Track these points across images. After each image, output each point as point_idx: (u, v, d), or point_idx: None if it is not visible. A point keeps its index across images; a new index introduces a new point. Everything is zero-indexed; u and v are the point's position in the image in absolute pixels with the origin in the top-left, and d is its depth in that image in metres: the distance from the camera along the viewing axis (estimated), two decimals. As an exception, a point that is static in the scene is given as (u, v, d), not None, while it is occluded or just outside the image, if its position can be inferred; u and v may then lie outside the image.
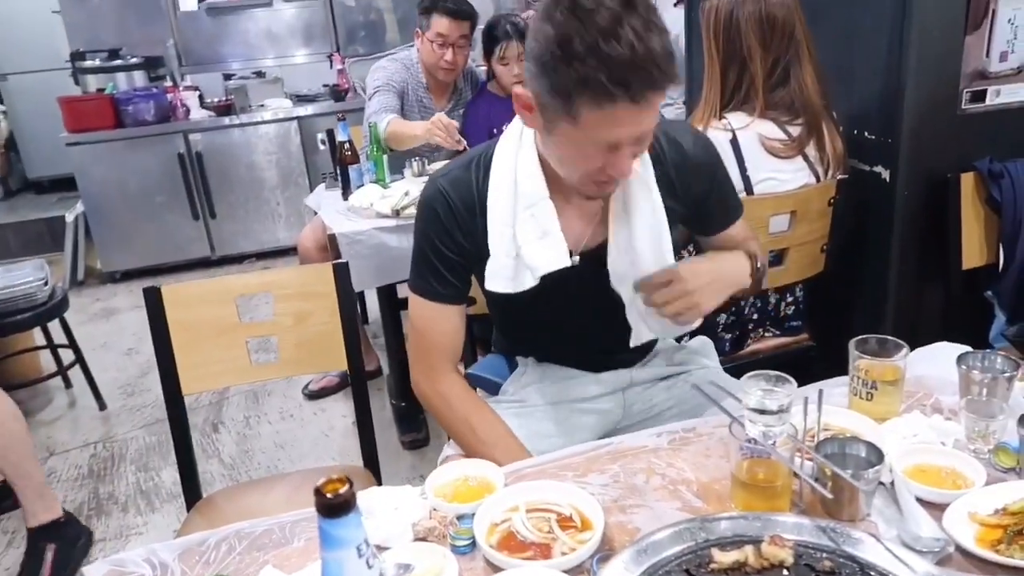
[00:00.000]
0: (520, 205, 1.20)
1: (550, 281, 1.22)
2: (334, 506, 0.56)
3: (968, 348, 1.20)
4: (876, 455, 0.95)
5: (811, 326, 2.10)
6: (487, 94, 3.00)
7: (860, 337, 1.14)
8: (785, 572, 0.85)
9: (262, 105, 4.59)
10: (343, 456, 2.62)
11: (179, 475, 1.60)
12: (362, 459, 1.64)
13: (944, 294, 2.02)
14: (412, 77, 2.86)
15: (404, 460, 2.54)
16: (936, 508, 0.94)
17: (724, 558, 0.86)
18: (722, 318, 1.99)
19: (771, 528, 0.89)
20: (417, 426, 2.65)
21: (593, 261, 1.27)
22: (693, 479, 1.05)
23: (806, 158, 1.86)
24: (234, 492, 1.74)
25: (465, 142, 2.56)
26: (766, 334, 2.07)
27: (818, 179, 1.89)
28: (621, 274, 1.26)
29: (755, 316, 2.03)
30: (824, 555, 0.86)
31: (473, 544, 0.94)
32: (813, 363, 2.07)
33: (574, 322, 1.34)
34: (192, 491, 1.60)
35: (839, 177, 1.91)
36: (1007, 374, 1.10)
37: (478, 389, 1.48)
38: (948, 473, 0.99)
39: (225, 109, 4.43)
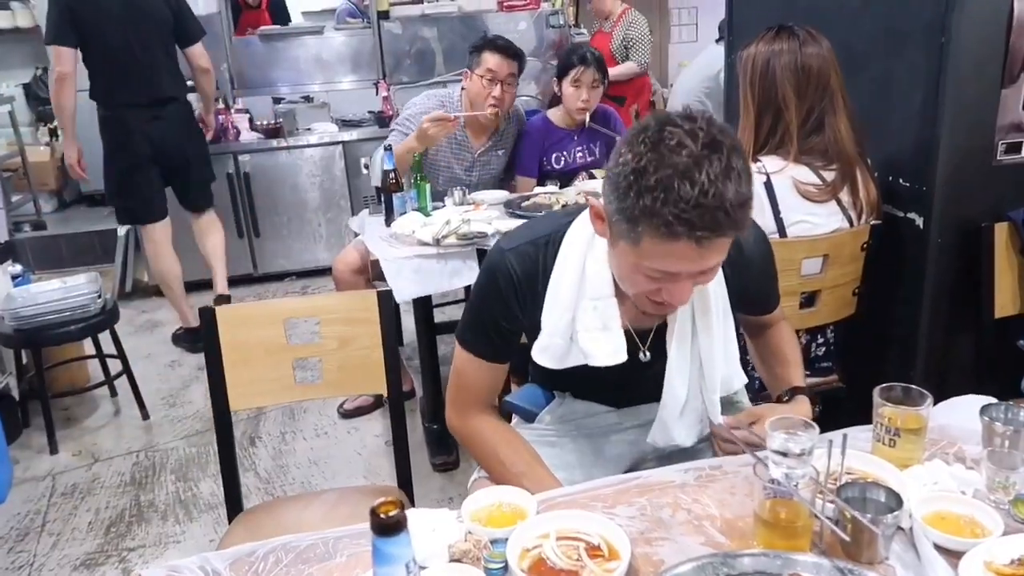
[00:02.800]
0: (585, 295, 1.24)
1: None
2: (388, 526, 0.62)
3: (994, 400, 1.23)
4: (896, 500, 0.98)
5: (841, 368, 2.12)
6: (544, 119, 3.15)
7: (885, 385, 1.18)
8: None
9: (309, 129, 4.73)
10: (373, 475, 2.68)
11: (223, 487, 1.67)
12: (396, 480, 1.70)
13: (975, 342, 2.03)
14: (449, 112, 2.94)
15: (434, 482, 2.60)
16: (953, 555, 0.97)
17: (743, 592, 0.90)
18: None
19: (791, 567, 0.93)
20: (447, 449, 2.71)
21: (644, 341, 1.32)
22: (718, 515, 1.10)
23: (839, 203, 1.90)
24: (273, 506, 1.81)
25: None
26: (796, 374, 2.10)
27: (851, 223, 1.92)
28: (678, 368, 1.30)
29: (786, 356, 2.06)
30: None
31: (505, 568, 0.99)
32: (842, 404, 2.10)
33: (616, 382, 1.38)
34: (234, 503, 1.68)
35: (873, 222, 1.95)
36: (1027, 427, 1.13)
37: (514, 417, 1.54)
38: (967, 522, 1.02)
39: (274, 132, 4.58)
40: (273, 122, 4.67)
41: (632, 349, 1.27)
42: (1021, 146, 1.93)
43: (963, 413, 1.27)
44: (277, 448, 2.92)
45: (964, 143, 1.89)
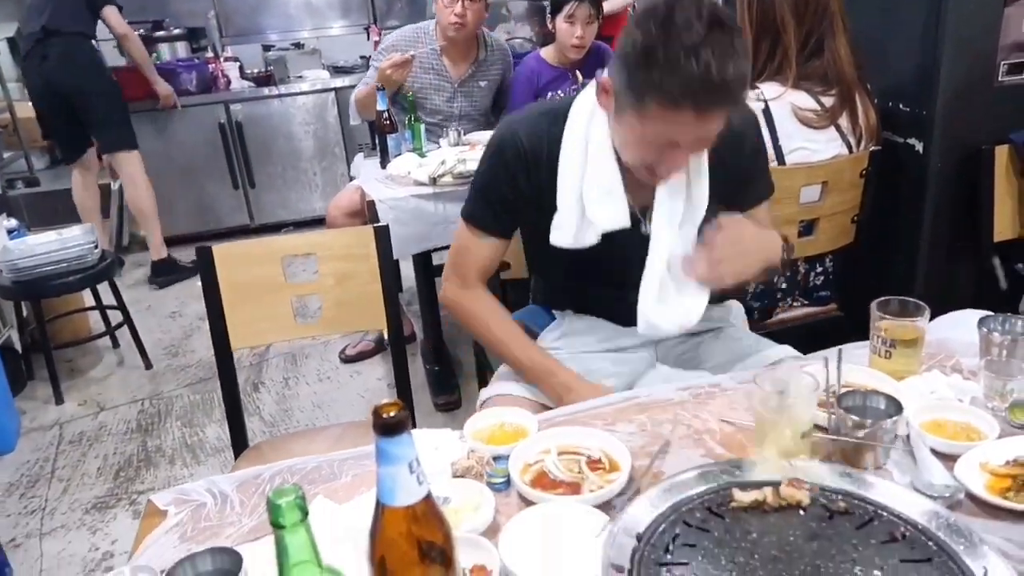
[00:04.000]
0: (589, 164, 1.29)
1: (609, 242, 1.30)
2: (391, 425, 0.63)
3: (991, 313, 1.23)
4: (895, 407, 0.99)
5: (840, 297, 2.12)
6: (537, 57, 3.08)
7: (882, 299, 1.18)
8: (801, 512, 0.90)
9: (300, 76, 4.66)
10: (378, 417, 2.71)
11: (228, 424, 1.68)
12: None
13: (975, 266, 2.03)
14: (424, 44, 2.87)
15: (437, 421, 2.62)
16: (950, 460, 0.98)
17: (744, 497, 0.91)
18: (751, 286, 2.03)
19: (791, 472, 0.95)
20: (450, 389, 2.73)
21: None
22: (717, 429, 1.11)
23: (839, 129, 1.88)
24: (278, 442, 1.84)
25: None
26: (794, 304, 2.11)
27: (850, 150, 1.90)
28: (659, 239, 1.31)
29: (784, 285, 2.06)
30: (839, 497, 0.91)
31: (508, 482, 1.01)
32: (841, 334, 2.10)
33: (621, 281, 1.39)
34: (239, 439, 1.69)
35: (872, 148, 1.93)
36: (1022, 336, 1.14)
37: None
38: (963, 428, 1.03)
39: (265, 80, 4.51)
40: (264, 70, 4.61)
41: (634, 222, 1.32)
42: (1022, 67, 1.90)
43: (961, 328, 1.27)
44: (280, 392, 2.94)
45: (965, 65, 1.87)
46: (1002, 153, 1.91)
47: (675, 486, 0.94)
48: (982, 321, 1.18)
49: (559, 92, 3.14)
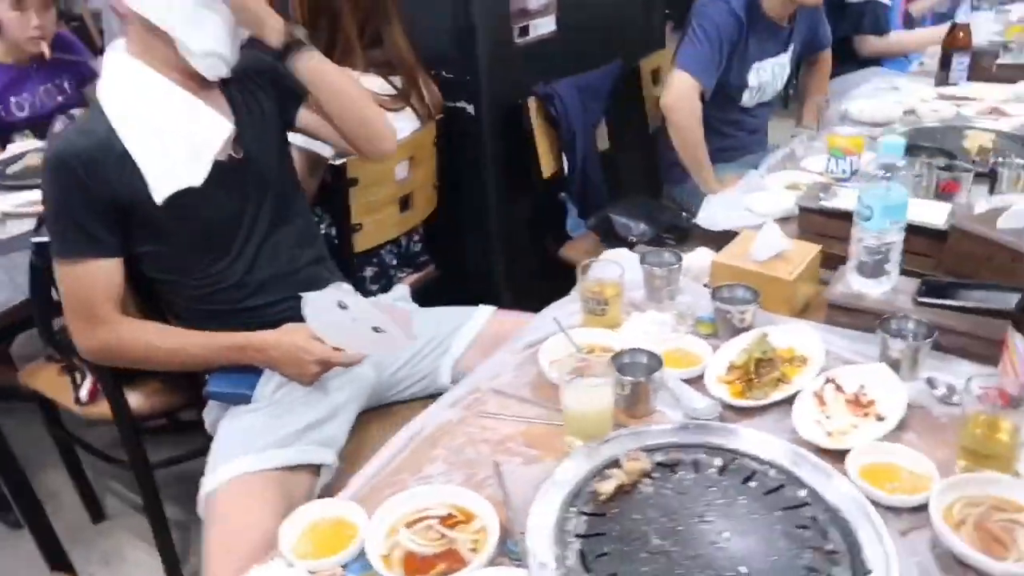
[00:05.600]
0: (157, 112, 1.28)
1: (222, 185, 1.33)
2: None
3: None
4: (656, 360, 1.15)
5: (435, 257, 2.27)
6: None
7: (583, 263, 1.33)
8: (649, 480, 1.00)
9: None
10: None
11: None
12: None
13: (532, 201, 2.38)
14: None
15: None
16: (695, 384, 1.19)
17: (605, 487, 0.97)
18: (368, 272, 2.04)
19: (622, 447, 1.03)
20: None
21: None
22: (515, 432, 1.13)
23: (413, 108, 1.96)
24: None
25: None
26: (403, 274, 2.18)
27: (423, 124, 2.00)
28: None
29: (394, 261, 2.11)
30: (670, 451, 1.04)
31: (380, 585, 0.89)
32: (443, 291, 2.26)
33: (265, 241, 1.42)
34: None
35: (438, 118, 2.06)
36: (674, 265, 1.40)
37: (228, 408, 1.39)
38: (685, 355, 1.25)
39: None
40: None
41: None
42: (528, 28, 2.22)
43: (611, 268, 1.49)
44: None
45: (493, 30, 2.10)
46: (532, 104, 2.23)
47: (539, 508, 0.95)
48: (642, 259, 1.41)
49: (24, 96, 2.57)
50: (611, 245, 2.25)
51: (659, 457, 1.03)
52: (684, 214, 2.31)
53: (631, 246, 2.23)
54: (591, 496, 0.98)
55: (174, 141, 1.28)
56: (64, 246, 1.28)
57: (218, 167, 1.32)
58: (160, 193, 1.27)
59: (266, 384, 1.37)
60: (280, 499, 1.23)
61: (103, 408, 1.74)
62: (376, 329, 1.28)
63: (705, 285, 1.43)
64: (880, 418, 1.10)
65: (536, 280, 2.25)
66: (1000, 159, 1.60)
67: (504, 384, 1.24)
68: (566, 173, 2.34)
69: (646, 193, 2.64)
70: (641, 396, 1.13)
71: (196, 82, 1.32)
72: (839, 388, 1.15)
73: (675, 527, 0.93)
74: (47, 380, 1.89)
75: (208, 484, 1.25)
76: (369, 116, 1.50)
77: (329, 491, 1.40)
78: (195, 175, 1.29)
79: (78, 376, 1.81)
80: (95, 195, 1.25)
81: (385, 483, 1.05)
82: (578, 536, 0.92)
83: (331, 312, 1.29)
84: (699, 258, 1.47)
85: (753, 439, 1.04)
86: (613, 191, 2.49)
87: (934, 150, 1.78)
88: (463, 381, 1.27)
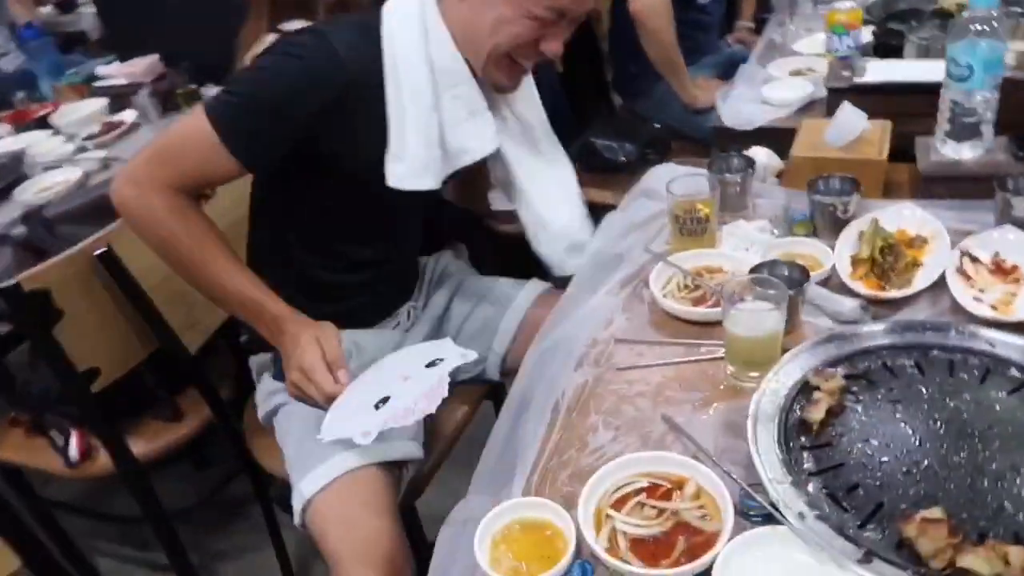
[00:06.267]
0: (441, 84, 1.10)
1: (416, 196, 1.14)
2: None
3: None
4: (798, 270, 1.04)
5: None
6: None
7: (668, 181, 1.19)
8: (851, 396, 0.90)
9: None
10: None
11: None
12: None
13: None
14: None
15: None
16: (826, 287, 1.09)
17: (815, 414, 0.86)
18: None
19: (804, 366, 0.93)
20: None
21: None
22: (665, 378, 1.00)
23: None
24: None
25: None
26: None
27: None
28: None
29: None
30: (856, 360, 0.94)
31: None
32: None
33: (398, 249, 1.33)
34: None
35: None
36: (747, 170, 1.29)
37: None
38: (810, 258, 1.15)
39: None
40: None
41: None
42: None
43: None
44: None
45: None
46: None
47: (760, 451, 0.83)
48: (710, 166, 1.29)
49: None
50: (595, 173, 2.13)
51: (847, 369, 0.93)
52: (656, 125, 2.22)
53: (617, 169, 2.12)
54: (802, 427, 0.86)
55: (440, 130, 1.12)
56: (235, 118, 1.06)
57: None
58: (396, 178, 1.11)
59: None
60: (383, 494, 1.11)
61: (101, 463, 1.49)
62: (383, 400, 1.06)
63: (776, 183, 1.33)
64: (1034, 280, 1.04)
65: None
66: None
67: (622, 331, 1.10)
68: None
69: (601, 111, 2.52)
70: (793, 311, 1.02)
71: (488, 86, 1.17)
72: (975, 259, 1.09)
73: (917, 439, 0.83)
74: (16, 447, 1.59)
75: (307, 488, 1.09)
76: None
77: (418, 484, 1.27)
78: (435, 178, 1.14)
79: (56, 435, 1.53)
80: (316, 122, 1.07)
81: (556, 467, 0.90)
82: (813, 475, 0.81)
83: (405, 366, 1.13)
84: (759, 157, 1.37)
85: (941, 332, 0.95)
86: (571, 117, 2.35)
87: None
88: (560, 338, 1.11)
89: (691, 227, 1.18)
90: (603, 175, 2.10)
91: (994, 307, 1.01)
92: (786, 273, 1.04)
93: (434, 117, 1.10)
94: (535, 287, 1.41)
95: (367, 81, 1.07)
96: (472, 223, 1.76)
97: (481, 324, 1.41)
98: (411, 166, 1.10)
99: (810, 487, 0.80)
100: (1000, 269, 1.07)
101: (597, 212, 1.33)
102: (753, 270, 1.04)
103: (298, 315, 1.14)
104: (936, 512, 0.73)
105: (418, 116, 1.09)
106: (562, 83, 2.24)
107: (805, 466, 0.82)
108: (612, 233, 1.29)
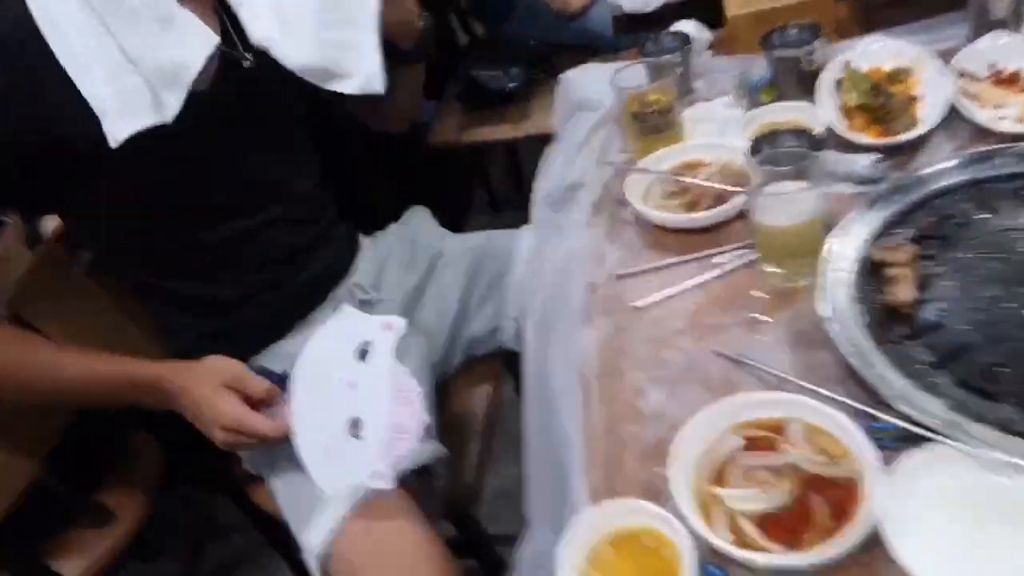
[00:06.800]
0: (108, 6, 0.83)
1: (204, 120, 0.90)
2: None
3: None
4: (807, 140, 0.86)
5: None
6: None
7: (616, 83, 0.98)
8: (930, 262, 0.74)
9: None
10: None
11: None
12: None
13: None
14: None
15: None
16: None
17: (904, 295, 0.70)
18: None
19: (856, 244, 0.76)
20: None
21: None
22: (695, 306, 0.81)
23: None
24: None
25: None
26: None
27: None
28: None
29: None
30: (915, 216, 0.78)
31: None
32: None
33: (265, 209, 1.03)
34: None
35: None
36: (685, 45, 1.10)
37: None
38: (792, 124, 0.97)
39: None
40: None
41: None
42: None
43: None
44: None
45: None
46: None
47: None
48: (645, 52, 1.09)
49: None
50: (485, 109, 1.91)
51: (909, 232, 0.77)
52: (532, 42, 2.00)
53: (507, 99, 1.90)
54: (893, 315, 0.70)
55: (128, 64, 0.84)
56: None
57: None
58: (113, 132, 0.83)
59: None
60: (411, 512, 0.92)
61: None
62: (355, 424, 0.86)
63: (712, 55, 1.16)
64: (1043, 84, 0.91)
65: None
66: None
67: (620, 264, 0.90)
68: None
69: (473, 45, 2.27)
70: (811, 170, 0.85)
71: None
72: (972, 77, 0.95)
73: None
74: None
75: (316, 538, 0.88)
76: None
77: (471, 491, 1.10)
78: (157, 111, 0.85)
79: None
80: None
81: (616, 455, 0.70)
82: (937, 367, 0.65)
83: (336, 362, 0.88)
84: (688, 32, 1.18)
85: (986, 163, 0.81)
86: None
87: None
88: (549, 298, 0.90)
89: (654, 122, 0.98)
90: (493, 109, 1.88)
91: (1022, 120, 0.87)
92: (794, 142, 0.86)
93: (106, 43, 0.84)
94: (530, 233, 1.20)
95: (22, 38, 0.82)
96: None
97: (484, 290, 1.20)
98: (112, 107, 0.83)
99: (940, 385, 0.63)
100: (1002, 80, 0.94)
101: (497, 154, 1.12)
102: (754, 149, 0.86)
103: (175, 365, 0.93)
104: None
105: (84, 50, 0.83)
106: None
107: (923, 359, 0.66)
108: (557, 166, 1.08)
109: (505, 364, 1.25)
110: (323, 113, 1.25)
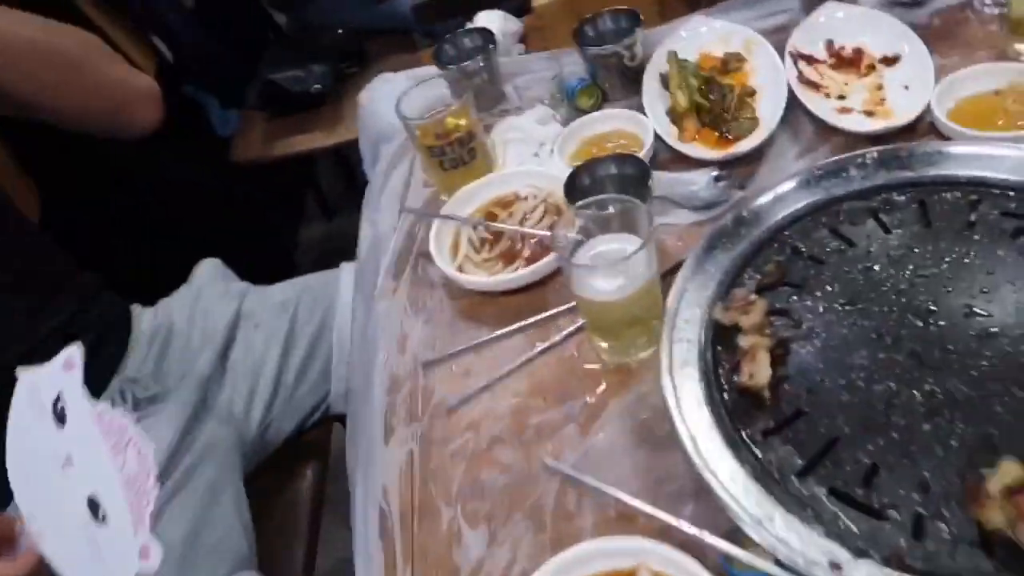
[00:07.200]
0: None
1: None
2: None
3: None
4: (636, 166, 0.71)
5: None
6: None
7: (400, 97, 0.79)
8: (781, 319, 0.60)
9: None
10: None
11: None
12: None
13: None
14: None
15: None
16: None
17: (758, 376, 0.56)
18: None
19: (700, 299, 0.61)
20: None
21: None
22: (518, 396, 0.65)
23: None
24: None
25: None
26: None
27: None
28: None
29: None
30: (757, 264, 0.64)
31: None
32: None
33: None
34: None
35: None
36: (489, 46, 0.93)
37: None
38: (620, 136, 0.82)
39: None
40: None
41: None
42: None
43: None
44: None
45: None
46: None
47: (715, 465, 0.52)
48: (440, 59, 0.91)
49: None
50: (289, 116, 1.68)
51: (758, 279, 0.63)
52: (339, 31, 1.78)
53: (314, 103, 1.68)
54: (746, 398, 0.56)
55: None
56: None
57: None
58: None
59: None
60: None
61: None
62: (93, 505, 0.64)
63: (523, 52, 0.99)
64: (889, 60, 0.80)
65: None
66: None
67: (425, 346, 0.72)
68: (171, 61, 1.64)
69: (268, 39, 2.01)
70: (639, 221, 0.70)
71: None
72: (810, 59, 0.82)
73: (905, 352, 0.55)
74: None
75: None
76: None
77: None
78: None
79: None
80: None
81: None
82: (802, 474, 0.52)
83: (41, 445, 0.67)
84: (492, 25, 1.00)
85: (837, 177, 0.67)
86: (232, 54, 1.84)
87: None
88: (356, 406, 0.72)
89: (455, 155, 0.80)
90: (299, 116, 1.65)
91: (869, 112, 0.75)
92: (613, 171, 0.71)
93: None
94: (352, 269, 0.99)
95: None
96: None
97: (305, 351, 0.99)
98: None
99: (809, 499, 0.50)
100: (843, 60, 0.82)
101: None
102: (568, 187, 0.70)
103: None
104: (1013, 468, 0.46)
105: None
106: (200, 21, 1.71)
107: (790, 463, 0.52)
108: (364, 220, 0.89)
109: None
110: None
